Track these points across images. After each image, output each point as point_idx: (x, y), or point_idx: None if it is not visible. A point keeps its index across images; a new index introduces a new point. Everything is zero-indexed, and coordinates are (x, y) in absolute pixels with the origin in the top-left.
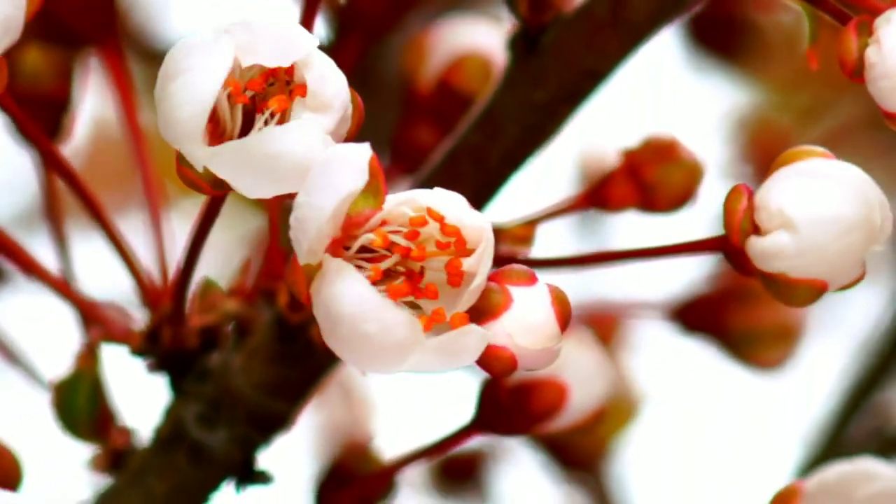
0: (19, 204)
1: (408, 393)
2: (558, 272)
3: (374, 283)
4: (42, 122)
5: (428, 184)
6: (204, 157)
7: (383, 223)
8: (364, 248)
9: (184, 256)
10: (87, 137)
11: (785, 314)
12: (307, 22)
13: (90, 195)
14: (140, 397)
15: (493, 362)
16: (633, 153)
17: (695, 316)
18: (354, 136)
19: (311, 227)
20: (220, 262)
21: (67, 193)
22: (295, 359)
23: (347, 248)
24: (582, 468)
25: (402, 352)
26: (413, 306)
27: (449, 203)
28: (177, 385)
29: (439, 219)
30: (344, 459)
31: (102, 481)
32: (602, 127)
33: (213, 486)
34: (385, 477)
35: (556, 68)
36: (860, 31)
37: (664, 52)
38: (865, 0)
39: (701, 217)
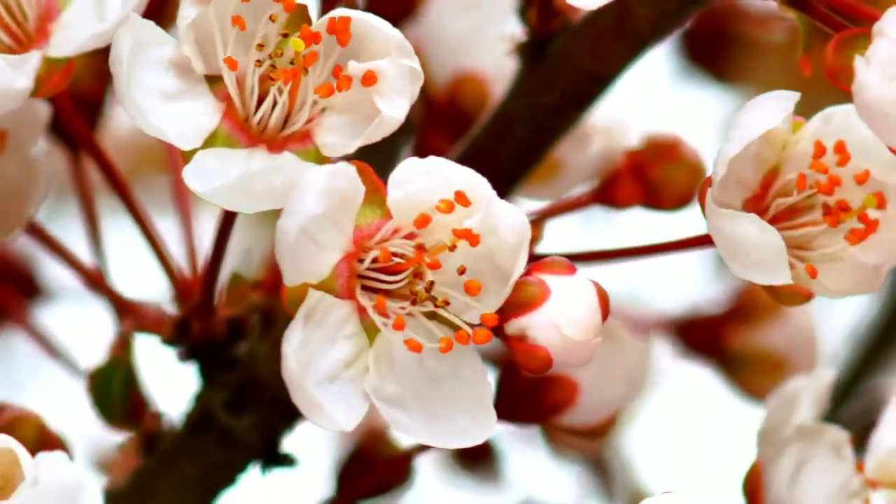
0: (55, 201)
1: None
2: None
3: (383, 307)
4: (81, 112)
5: None
6: (196, 189)
7: (395, 231)
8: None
9: (211, 250)
10: (120, 138)
11: (783, 344)
12: None
13: (127, 191)
14: (171, 384)
15: (530, 360)
16: (638, 152)
17: (693, 335)
18: None
19: (284, 251)
20: (246, 255)
21: (101, 191)
22: None
23: (361, 261)
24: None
25: (330, 425)
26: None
27: (471, 180)
28: (205, 373)
29: (466, 202)
30: (364, 445)
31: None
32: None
33: (240, 468)
34: (403, 462)
35: (564, 73)
36: (841, 45)
37: (661, 62)
38: (856, 8)
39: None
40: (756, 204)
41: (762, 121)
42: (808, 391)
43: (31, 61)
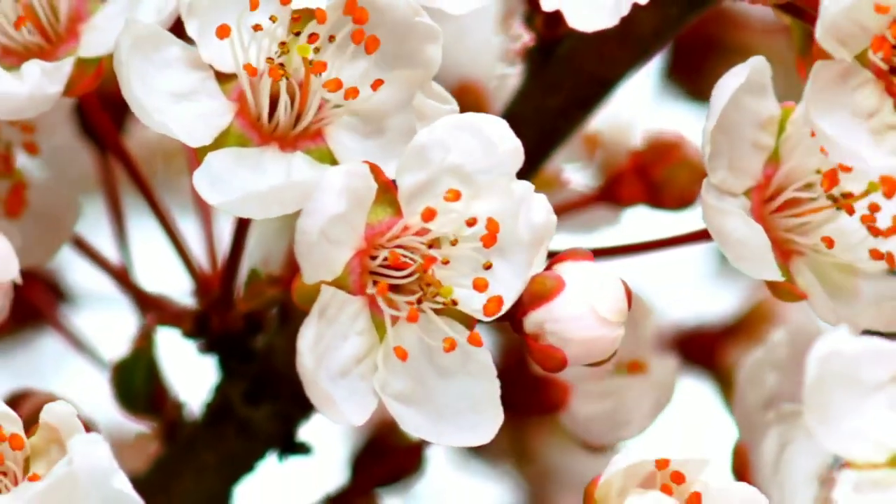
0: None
1: None
2: None
3: (390, 300)
4: (108, 112)
5: None
6: (207, 199)
7: (405, 228)
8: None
9: (230, 248)
10: (145, 138)
11: None
12: None
13: (150, 191)
14: (191, 376)
15: (546, 359)
16: (641, 152)
17: (692, 350)
18: None
19: (304, 250)
20: (266, 251)
21: (129, 193)
22: None
23: (374, 258)
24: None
25: (341, 420)
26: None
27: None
28: (225, 365)
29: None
30: (378, 434)
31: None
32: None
33: (259, 456)
34: (415, 451)
35: (569, 77)
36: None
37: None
38: None
39: None
40: (760, 193)
41: (728, 85)
42: (766, 362)
43: (64, 69)
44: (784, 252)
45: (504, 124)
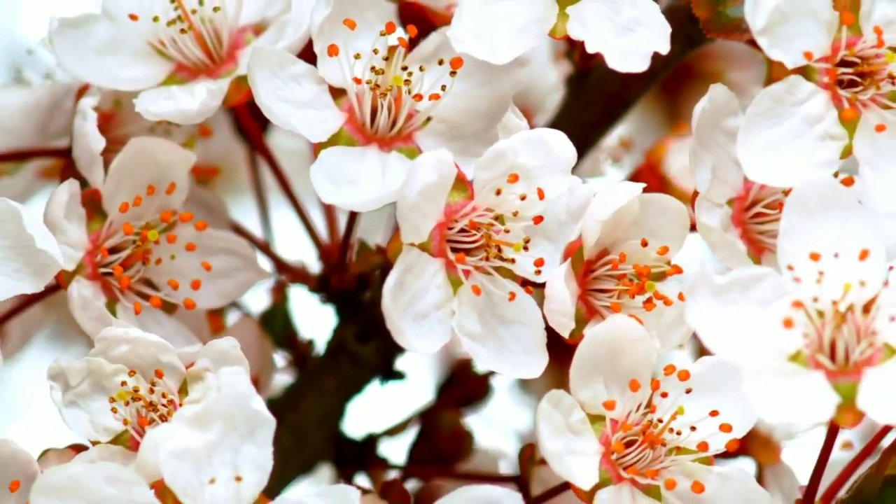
0: (236, 192)
1: None
2: None
3: (462, 260)
4: (256, 121)
5: None
6: (322, 196)
7: (474, 209)
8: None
9: (345, 226)
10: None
11: None
12: None
13: (285, 179)
14: (316, 321)
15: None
16: (652, 151)
17: None
18: None
19: (404, 213)
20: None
21: (270, 180)
22: None
23: (451, 229)
24: None
25: (409, 346)
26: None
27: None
28: (341, 313)
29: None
30: (458, 367)
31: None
32: None
33: (366, 381)
34: (484, 381)
35: (599, 98)
36: None
37: None
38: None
39: None
40: (741, 203)
41: (697, 108)
42: None
43: (223, 88)
44: (759, 249)
45: (563, 136)
